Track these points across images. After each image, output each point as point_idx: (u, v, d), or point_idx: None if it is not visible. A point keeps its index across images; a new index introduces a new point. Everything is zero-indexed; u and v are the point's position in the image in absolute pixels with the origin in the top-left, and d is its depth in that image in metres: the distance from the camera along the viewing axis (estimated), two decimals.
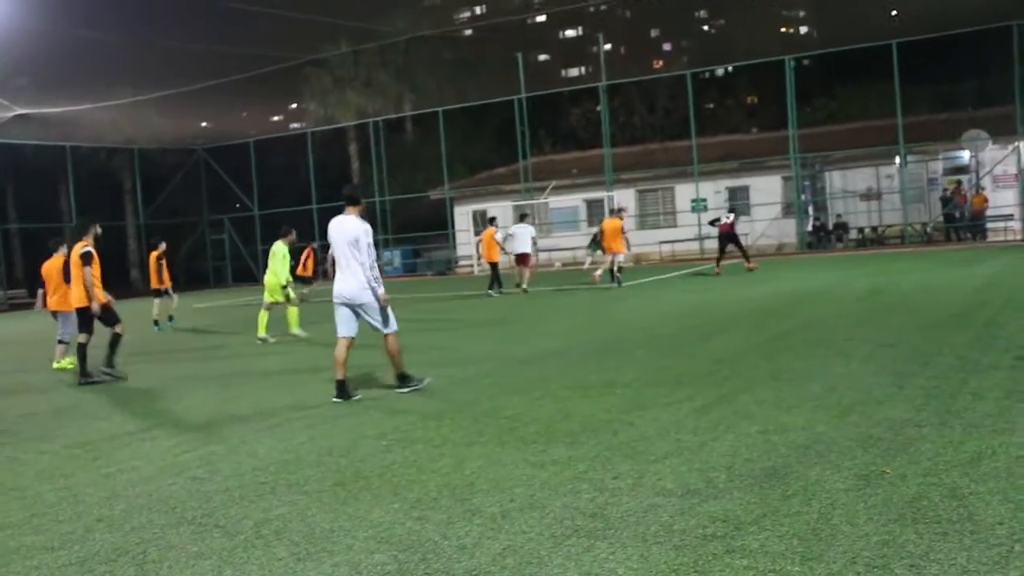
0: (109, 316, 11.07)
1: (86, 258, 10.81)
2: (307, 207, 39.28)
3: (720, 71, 54.47)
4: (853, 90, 46.07)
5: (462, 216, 38.86)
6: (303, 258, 22.89)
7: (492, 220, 23.92)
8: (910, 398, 6.51)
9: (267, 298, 14.78)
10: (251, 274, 41.69)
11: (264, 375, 10.74)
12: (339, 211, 8.38)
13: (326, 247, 18.29)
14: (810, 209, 34.88)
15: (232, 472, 5.89)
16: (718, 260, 22.99)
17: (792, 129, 32.97)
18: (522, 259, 22.00)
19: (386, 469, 5.66)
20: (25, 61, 36.74)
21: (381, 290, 8.17)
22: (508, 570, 3.86)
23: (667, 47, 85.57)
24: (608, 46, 53.07)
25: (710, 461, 5.25)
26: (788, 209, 33.91)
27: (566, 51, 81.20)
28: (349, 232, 8.15)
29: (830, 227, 33.94)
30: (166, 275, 18.87)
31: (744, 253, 22.56)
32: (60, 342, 12.89)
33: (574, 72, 74.69)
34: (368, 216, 10.07)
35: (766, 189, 34.16)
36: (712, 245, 31.48)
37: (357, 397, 8.26)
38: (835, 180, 34.06)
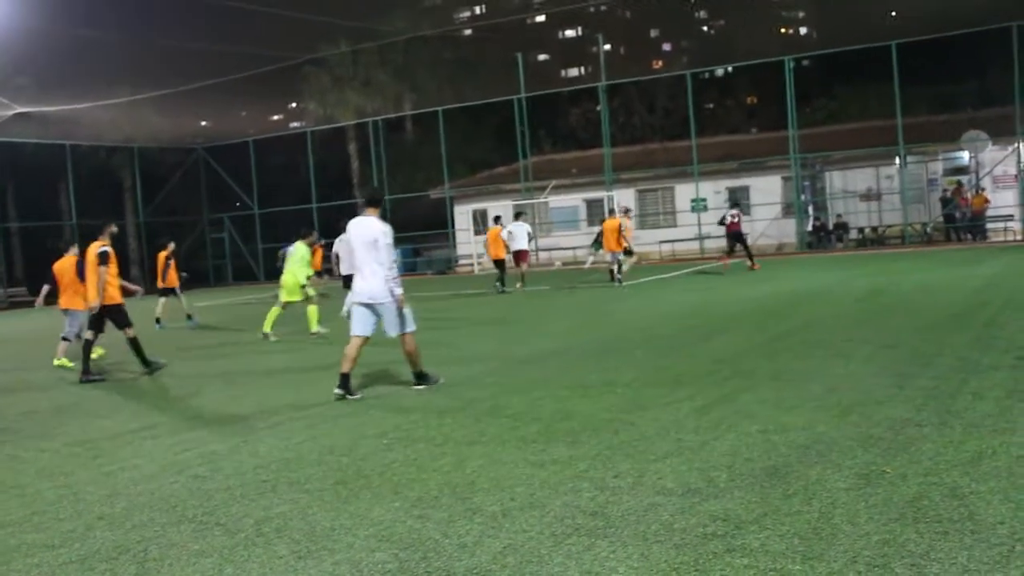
0: (120, 318, 11.03)
1: (103, 257, 10.81)
2: (307, 206, 39.28)
3: (720, 71, 54.43)
4: (853, 90, 46.03)
5: (462, 215, 38.84)
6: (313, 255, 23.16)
7: (497, 219, 24.44)
8: (910, 398, 6.52)
9: (284, 297, 14.81)
10: (251, 273, 41.70)
11: (268, 373, 10.75)
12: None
13: (329, 245, 18.35)
14: (810, 209, 34.85)
15: (233, 470, 5.90)
16: (728, 255, 23.58)
17: (792, 129, 32.93)
18: (521, 256, 22.70)
19: (387, 468, 5.67)
20: (25, 60, 36.75)
21: (399, 291, 8.17)
22: (509, 568, 3.86)
23: (667, 47, 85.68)
24: (608, 46, 52.99)
25: (711, 460, 5.26)
26: (788, 209, 33.89)
27: (566, 51, 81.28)
28: (368, 233, 8.18)
29: (830, 227, 33.93)
30: (172, 275, 18.84)
31: (749, 253, 23.04)
32: (64, 339, 12.91)
33: (574, 72, 74.77)
34: None
35: (766, 189, 34.13)
36: (712, 245, 31.63)
37: (358, 397, 8.26)
38: (835, 180, 34.02)
